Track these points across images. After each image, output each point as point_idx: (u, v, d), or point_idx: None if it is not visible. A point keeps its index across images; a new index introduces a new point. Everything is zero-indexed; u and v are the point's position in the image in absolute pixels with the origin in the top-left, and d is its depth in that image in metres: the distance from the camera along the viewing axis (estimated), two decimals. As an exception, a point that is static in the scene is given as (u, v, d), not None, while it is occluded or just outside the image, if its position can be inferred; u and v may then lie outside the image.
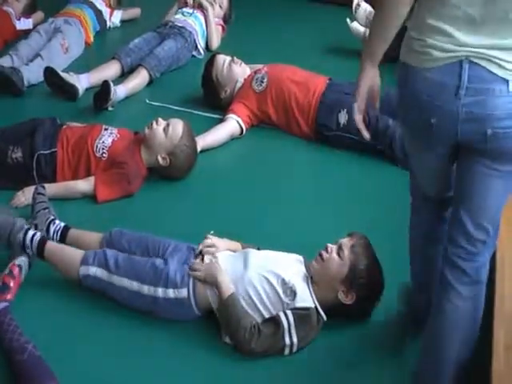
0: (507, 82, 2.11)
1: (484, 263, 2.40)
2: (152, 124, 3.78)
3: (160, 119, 3.81)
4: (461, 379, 2.45)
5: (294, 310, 2.76)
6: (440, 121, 2.21)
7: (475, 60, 2.12)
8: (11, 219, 3.09)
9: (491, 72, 2.11)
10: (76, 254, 3.01)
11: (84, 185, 3.66)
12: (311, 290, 2.82)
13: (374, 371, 2.77)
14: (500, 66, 2.11)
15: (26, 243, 3.01)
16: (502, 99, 2.12)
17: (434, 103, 2.20)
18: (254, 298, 2.79)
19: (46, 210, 3.32)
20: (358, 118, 2.46)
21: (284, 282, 2.79)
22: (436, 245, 2.60)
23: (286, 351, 2.76)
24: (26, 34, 5.44)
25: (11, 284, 2.93)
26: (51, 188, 3.55)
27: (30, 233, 3.03)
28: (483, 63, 2.11)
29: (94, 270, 2.93)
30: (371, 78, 2.40)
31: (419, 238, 2.70)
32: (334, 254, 2.84)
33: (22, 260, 3.00)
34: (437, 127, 2.23)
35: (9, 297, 2.89)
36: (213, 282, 2.81)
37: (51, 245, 3.04)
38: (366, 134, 2.50)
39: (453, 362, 2.43)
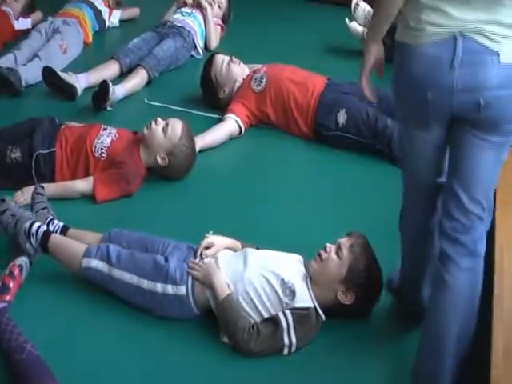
0: (498, 53, 2.22)
1: (481, 237, 2.47)
2: (151, 124, 3.76)
3: (159, 119, 3.79)
4: (463, 359, 2.48)
5: (293, 310, 2.75)
6: (436, 95, 2.29)
7: (468, 34, 2.21)
8: (19, 209, 3.13)
9: (483, 45, 2.22)
10: (79, 246, 3.02)
11: (83, 185, 3.64)
12: (310, 289, 2.81)
13: (373, 371, 2.76)
14: (491, 39, 2.21)
15: (31, 232, 3.03)
16: (494, 70, 2.22)
17: (430, 78, 2.29)
18: (254, 298, 2.78)
19: (45, 210, 3.31)
20: (364, 83, 2.54)
21: (283, 282, 2.78)
22: (427, 236, 2.65)
23: (285, 351, 2.75)
24: (24, 34, 5.43)
25: (11, 285, 2.91)
26: (50, 188, 3.53)
27: (36, 224, 3.06)
28: (476, 37, 2.21)
29: (96, 263, 2.94)
30: (376, 52, 2.49)
31: (411, 227, 2.72)
32: (333, 254, 2.82)
33: (22, 260, 2.99)
34: (433, 102, 2.31)
35: (8, 298, 2.88)
36: (209, 283, 2.81)
37: (55, 237, 3.07)
38: (373, 98, 2.58)
39: (455, 340, 2.45)
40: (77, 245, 3.05)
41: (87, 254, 2.96)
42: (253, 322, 2.75)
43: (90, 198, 3.64)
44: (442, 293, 2.46)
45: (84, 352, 2.75)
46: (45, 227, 3.08)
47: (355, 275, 2.80)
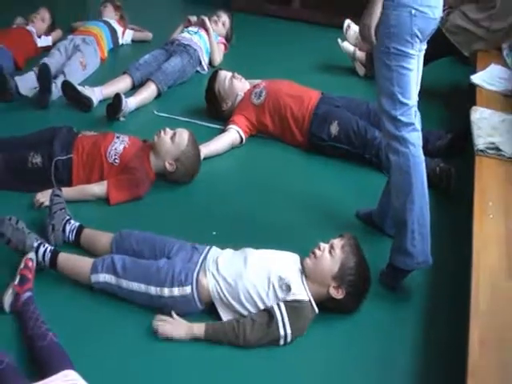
0: None
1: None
2: (160, 133, 3.77)
3: (167, 129, 3.80)
4: None
5: (287, 302, 2.75)
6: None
7: None
8: (22, 236, 3.05)
9: None
10: (85, 263, 2.98)
11: (98, 188, 3.64)
12: (305, 284, 2.81)
13: (362, 363, 2.76)
14: None
15: (38, 260, 3.00)
16: None
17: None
18: (254, 295, 2.78)
19: (63, 211, 3.31)
20: (372, 27, 2.75)
21: (280, 278, 2.78)
22: None
23: (281, 342, 2.74)
24: (45, 50, 5.44)
25: (29, 276, 2.92)
26: (68, 191, 3.53)
27: (41, 250, 3.02)
28: None
29: (104, 276, 2.91)
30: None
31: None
32: (326, 253, 2.83)
33: (32, 254, 2.99)
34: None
35: (29, 286, 2.89)
36: (184, 333, 2.75)
37: (62, 257, 3.01)
38: (374, 40, 2.78)
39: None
40: (83, 261, 3.00)
41: (94, 269, 2.93)
42: (239, 318, 2.76)
43: (103, 200, 3.63)
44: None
45: (98, 344, 2.74)
46: (49, 250, 3.01)
47: (346, 272, 2.81)
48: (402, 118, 2.86)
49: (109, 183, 3.65)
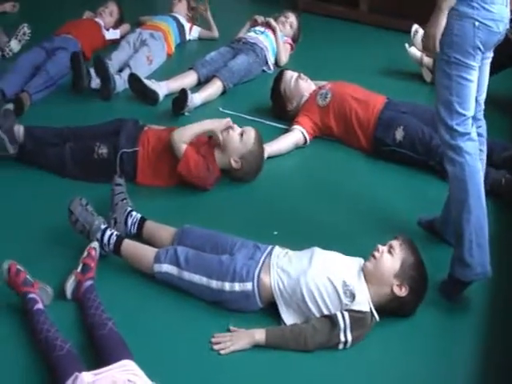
0: None
1: None
2: (228, 130, 3.77)
3: (236, 126, 3.81)
4: None
5: (351, 312, 2.73)
6: None
7: None
8: (90, 218, 3.10)
9: None
10: (149, 252, 3.01)
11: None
12: (367, 291, 2.79)
13: (417, 367, 2.73)
14: None
15: (103, 243, 3.05)
16: None
17: None
18: (317, 297, 2.76)
19: (124, 201, 3.32)
20: (438, 37, 2.74)
21: (345, 284, 2.76)
22: None
23: (341, 346, 2.73)
24: (113, 43, 5.51)
25: (92, 264, 2.96)
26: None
27: (107, 233, 3.06)
28: None
29: (166, 267, 2.93)
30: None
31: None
32: (386, 253, 2.84)
33: (95, 244, 3.04)
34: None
35: (91, 275, 2.93)
36: (247, 343, 2.73)
37: (127, 244, 3.05)
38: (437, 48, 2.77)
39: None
40: (147, 250, 3.04)
41: (157, 259, 2.96)
42: (303, 324, 2.75)
43: (166, 193, 3.66)
44: None
45: (158, 335, 2.77)
46: (115, 235, 3.06)
47: (407, 268, 2.81)
48: (458, 128, 2.83)
49: (187, 150, 3.66)
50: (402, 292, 2.81)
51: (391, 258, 2.83)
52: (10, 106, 4.00)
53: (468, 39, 2.72)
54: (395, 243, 2.86)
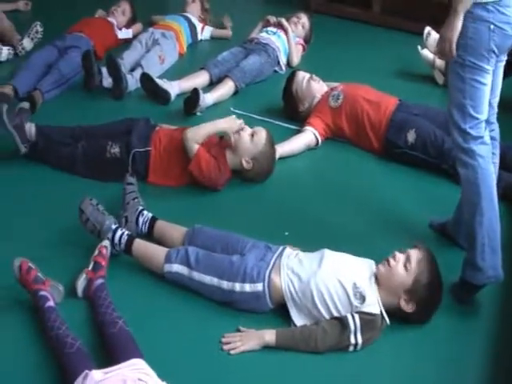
0: None
1: None
2: (240, 130, 3.77)
3: (247, 126, 3.80)
4: None
5: (362, 314, 2.71)
6: None
7: None
8: (101, 217, 3.11)
9: None
10: (160, 252, 3.01)
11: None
12: (377, 293, 2.77)
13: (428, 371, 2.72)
14: None
15: (114, 242, 3.05)
16: None
17: None
18: (327, 299, 2.75)
19: (135, 200, 3.32)
20: (454, 41, 2.72)
21: (355, 286, 2.74)
22: None
23: (351, 349, 2.72)
24: (125, 42, 5.52)
25: (103, 263, 2.97)
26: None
27: (118, 233, 3.07)
28: None
29: (177, 267, 2.93)
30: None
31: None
32: (401, 264, 2.79)
33: (106, 242, 3.04)
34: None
35: (102, 273, 2.93)
36: (257, 344, 2.73)
37: (137, 243, 3.06)
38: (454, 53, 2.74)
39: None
40: (157, 250, 3.04)
41: (168, 259, 2.96)
42: (313, 326, 2.74)
43: (176, 194, 3.67)
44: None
45: (168, 334, 2.78)
46: (126, 234, 3.06)
47: (419, 289, 2.76)
48: (471, 132, 2.83)
49: (199, 150, 3.66)
50: (409, 308, 2.79)
51: (405, 272, 2.78)
52: (26, 105, 4.02)
53: (483, 42, 2.71)
54: (414, 256, 2.81)
